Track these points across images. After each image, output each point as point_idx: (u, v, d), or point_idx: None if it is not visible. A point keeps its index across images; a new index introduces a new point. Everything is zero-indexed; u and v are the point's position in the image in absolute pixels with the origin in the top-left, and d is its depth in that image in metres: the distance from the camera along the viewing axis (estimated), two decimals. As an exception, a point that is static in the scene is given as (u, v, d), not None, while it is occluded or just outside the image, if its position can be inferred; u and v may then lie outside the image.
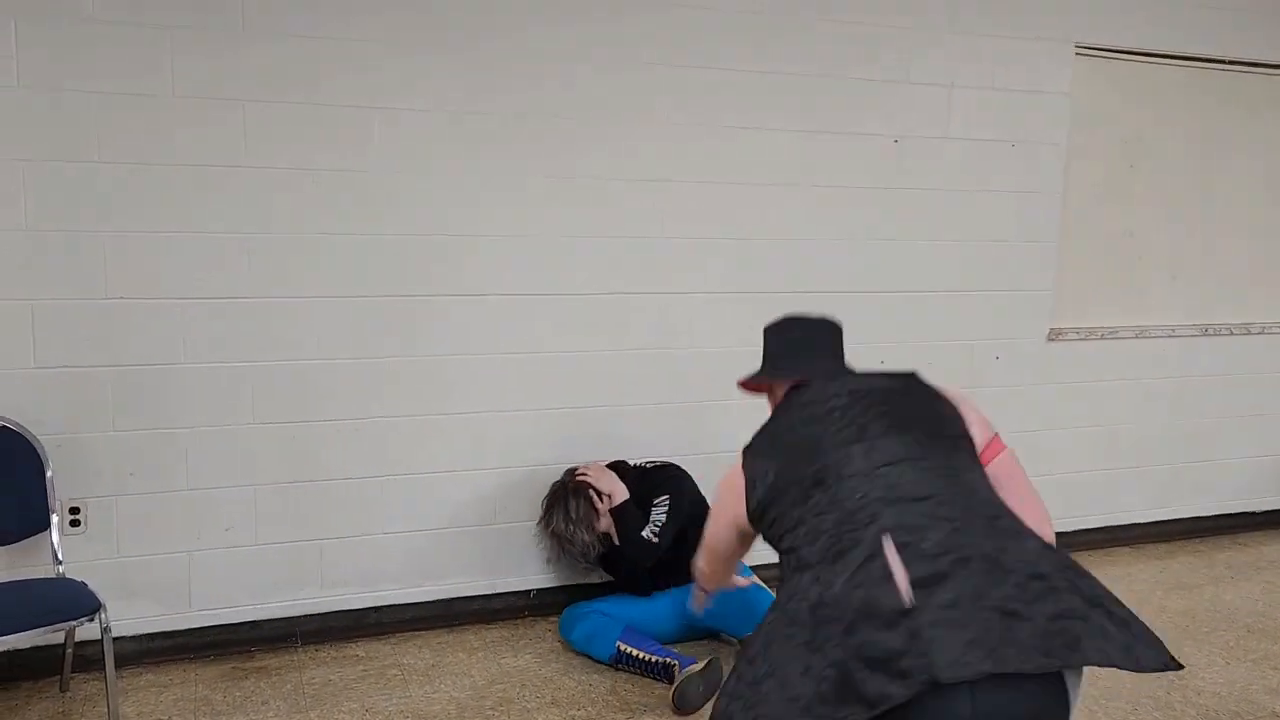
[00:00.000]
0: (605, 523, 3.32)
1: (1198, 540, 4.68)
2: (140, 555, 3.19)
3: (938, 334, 4.07)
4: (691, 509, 3.31)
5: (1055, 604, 1.62)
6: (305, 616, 3.40)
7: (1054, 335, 4.27)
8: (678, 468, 3.46)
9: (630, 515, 3.29)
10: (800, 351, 2.34)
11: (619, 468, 3.44)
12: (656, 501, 3.32)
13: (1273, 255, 4.66)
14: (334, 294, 3.27)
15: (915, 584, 1.62)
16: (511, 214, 3.42)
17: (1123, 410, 4.46)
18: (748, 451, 2.11)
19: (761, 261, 3.76)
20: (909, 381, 2.16)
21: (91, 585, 2.83)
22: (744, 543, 2.17)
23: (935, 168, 3.95)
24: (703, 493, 3.46)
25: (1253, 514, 4.81)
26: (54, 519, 2.96)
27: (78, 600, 2.69)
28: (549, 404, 3.56)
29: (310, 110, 3.16)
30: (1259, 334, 4.64)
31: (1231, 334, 4.59)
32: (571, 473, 3.41)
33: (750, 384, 2.40)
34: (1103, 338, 4.36)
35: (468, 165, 3.35)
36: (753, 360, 3.77)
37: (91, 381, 3.07)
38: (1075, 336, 4.31)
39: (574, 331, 3.56)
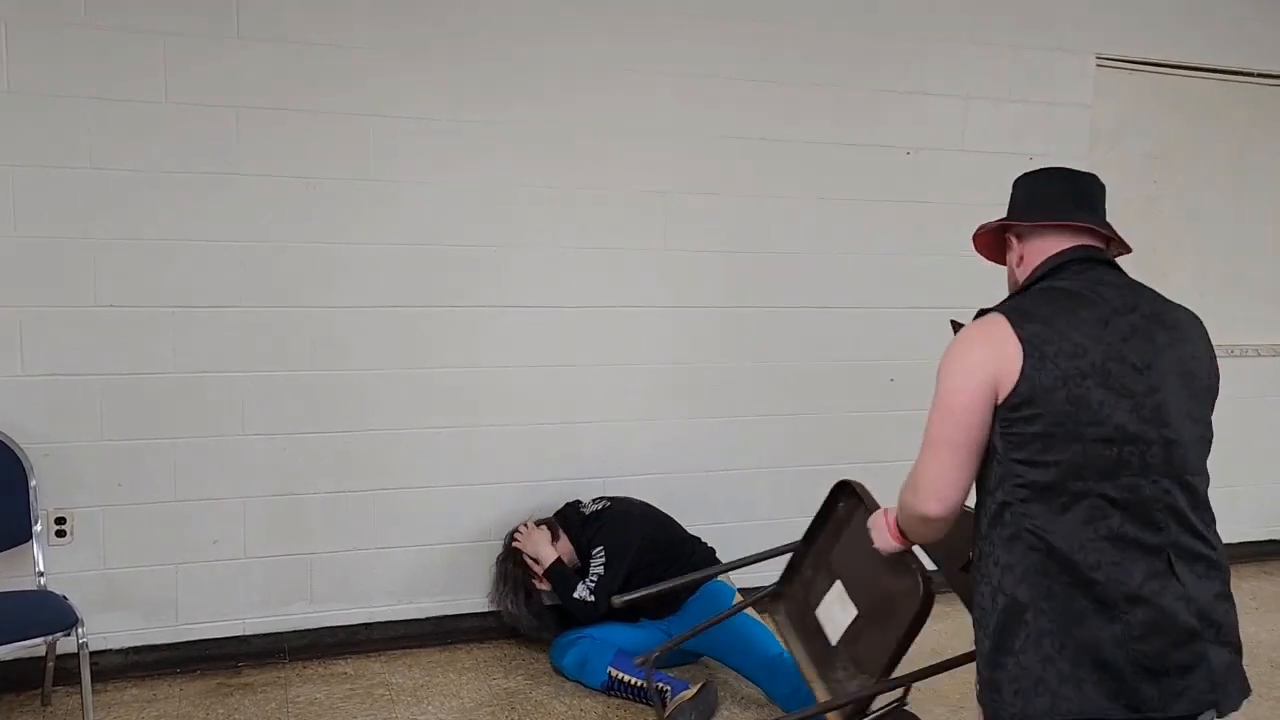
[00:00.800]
0: (545, 586, 3.29)
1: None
2: (126, 567, 3.15)
3: (951, 352, 3.95)
4: (638, 543, 3.23)
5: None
6: (294, 632, 3.34)
7: (1072, 354, 4.13)
8: (615, 508, 3.35)
9: (559, 578, 3.24)
10: (1068, 207, 1.83)
11: (567, 515, 3.37)
12: (593, 554, 3.24)
13: (1303, 274, 4.51)
14: (327, 305, 3.21)
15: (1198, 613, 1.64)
16: (510, 224, 3.36)
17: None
18: (1019, 318, 1.71)
19: (769, 275, 3.67)
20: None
21: (77, 597, 2.78)
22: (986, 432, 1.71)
23: (948, 180, 3.84)
24: (661, 511, 3.38)
25: (1278, 542, 4.64)
26: (37, 529, 2.92)
27: (55, 614, 2.64)
28: (543, 419, 3.48)
29: (305, 118, 3.11)
30: (1288, 356, 4.49)
31: (1260, 355, 4.44)
32: (512, 535, 3.38)
33: (1008, 227, 1.91)
34: (1123, 358, 4.22)
35: (465, 174, 3.29)
36: (750, 377, 3.70)
37: (80, 390, 3.03)
38: (1095, 356, 4.17)
39: (568, 345, 3.48)
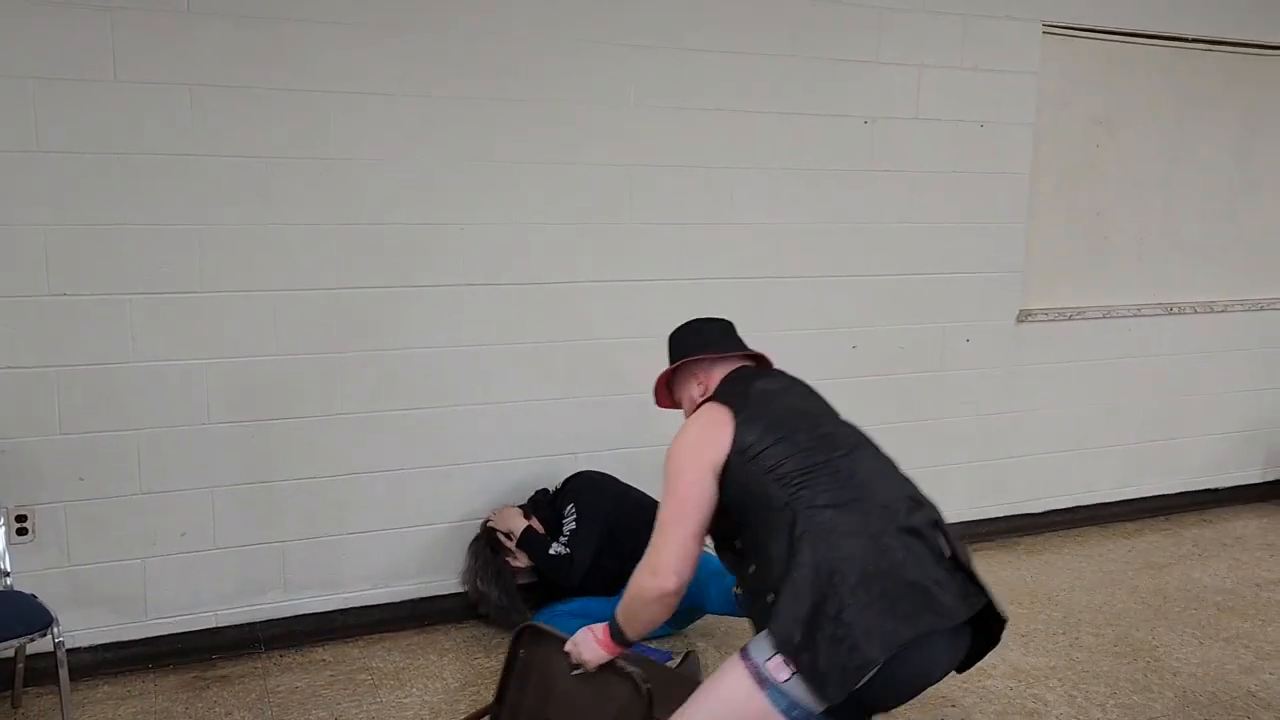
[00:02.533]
0: (522, 559, 3.31)
1: (1164, 518, 4.71)
2: (93, 563, 3.06)
3: (909, 317, 4.04)
4: (612, 505, 3.31)
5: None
6: (268, 621, 3.29)
7: (1023, 316, 4.25)
8: (584, 475, 3.42)
9: (533, 539, 3.28)
10: (730, 339, 2.45)
11: (536, 499, 3.42)
12: (565, 513, 3.31)
13: (1235, 235, 4.69)
14: (290, 287, 3.14)
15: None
16: (474, 201, 3.31)
17: (1091, 390, 4.47)
18: (725, 399, 2.17)
19: (730, 246, 3.69)
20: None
21: (42, 597, 2.69)
22: (713, 500, 2.10)
23: (906, 149, 3.90)
24: (630, 485, 3.41)
25: (1216, 490, 4.86)
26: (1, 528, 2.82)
27: (28, 614, 2.56)
28: (513, 398, 3.46)
29: (262, 95, 3.02)
30: (1221, 313, 4.67)
31: (1195, 313, 4.61)
32: (483, 524, 3.41)
33: (682, 370, 2.40)
34: (1071, 318, 4.36)
35: (428, 151, 3.23)
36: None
37: (35, 382, 2.92)
38: (1044, 318, 4.30)
39: (539, 322, 3.46)
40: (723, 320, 2.50)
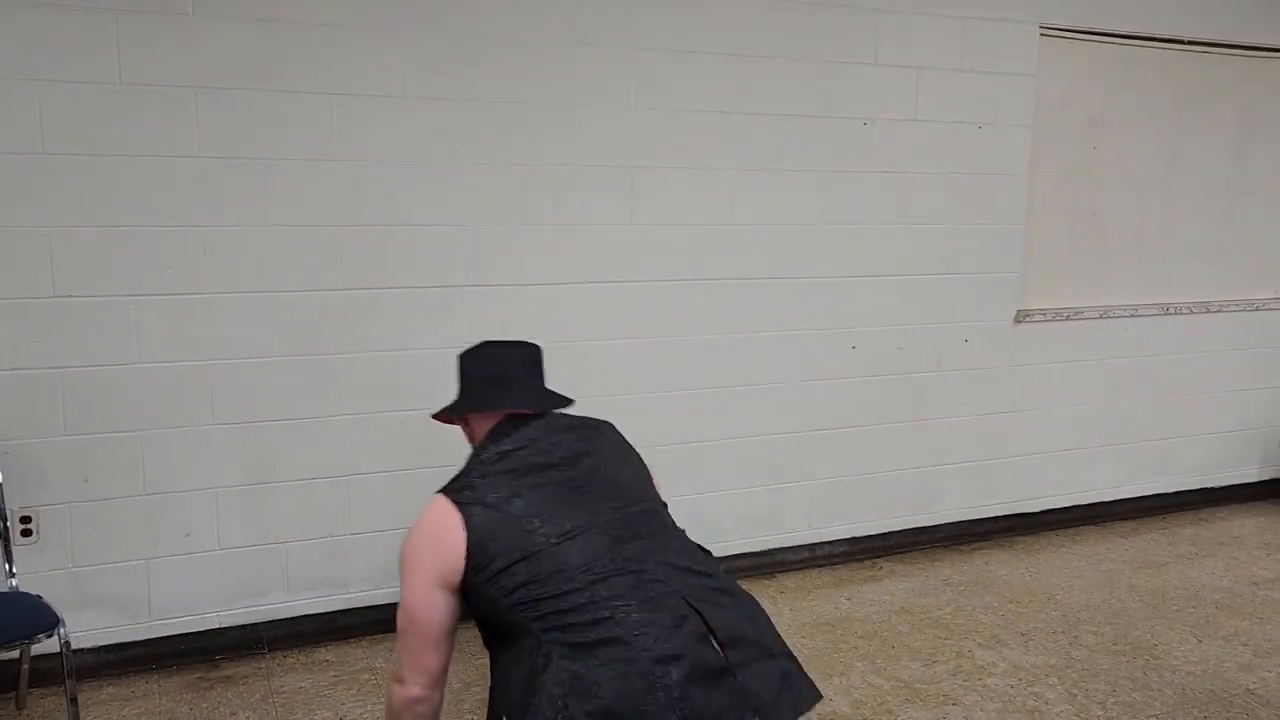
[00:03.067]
0: None
1: (1161, 517, 4.74)
2: (97, 564, 3.06)
3: (907, 317, 4.06)
4: None
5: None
6: (271, 622, 3.30)
7: (1021, 317, 4.27)
8: None
9: None
10: (503, 382, 2.15)
11: None
12: None
13: (1233, 236, 4.71)
14: (293, 288, 3.15)
15: (725, 645, 1.75)
16: (474, 202, 3.32)
17: (1088, 390, 4.49)
18: (460, 492, 1.90)
19: (729, 247, 3.71)
20: (607, 436, 2.13)
21: (46, 598, 2.70)
22: (448, 610, 1.88)
23: (904, 150, 3.92)
24: None
25: (1212, 490, 4.88)
26: (6, 528, 2.82)
27: (34, 615, 2.56)
28: (519, 397, 3.47)
29: (265, 97, 3.03)
30: (1217, 313, 4.70)
31: (1192, 313, 4.64)
32: None
33: (445, 417, 2.20)
34: (1068, 319, 4.38)
35: (430, 154, 3.24)
36: (709, 346, 3.75)
37: (39, 384, 2.93)
38: (1042, 318, 4.32)
39: (538, 323, 3.47)
40: (510, 353, 2.19)
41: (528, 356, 2.20)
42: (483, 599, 1.83)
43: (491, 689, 1.84)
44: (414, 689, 1.89)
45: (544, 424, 2.04)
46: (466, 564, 1.82)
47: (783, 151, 3.72)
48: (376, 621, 3.41)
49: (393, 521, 3.38)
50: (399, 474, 3.36)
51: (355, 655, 3.29)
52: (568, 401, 2.14)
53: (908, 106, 3.90)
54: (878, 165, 3.89)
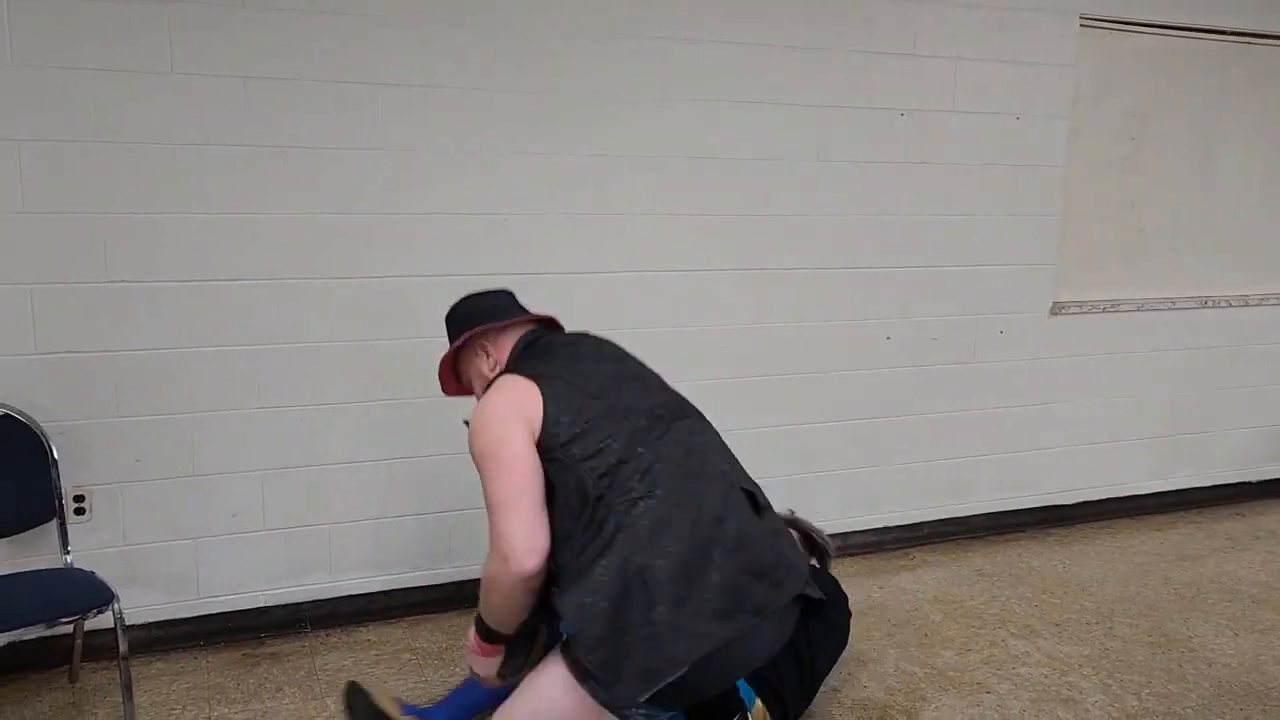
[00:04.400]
0: None
1: (1197, 511, 4.72)
2: (147, 543, 3.14)
3: (941, 309, 4.06)
4: None
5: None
6: (314, 602, 3.37)
7: (1057, 309, 4.27)
8: None
9: None
10: (505, 306, 2.28)
11: None
12: None
13: (1271, 228, 4.68)
14: (339, 275, 3.21)
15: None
16: (514, 193, 3.37)
17: (1124, 383, 4.48)
18: (525, 371, 1.98)
19: (765, 238, 3.73)
20: (612, 343, 2.29)
21: (99, 574, 2.78)
22: (540, 467, 1.90)
23: (941, 141, 3.93)
24: None
25: (1250, 484, 4.85)
26: (62, 507, 2.90)
27: (90, 591, 2.64)
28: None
29: (313, 87, 3.09)
30: (1257, 306, 4.67)
31: (1230, 306, 4.61)
32: None
33: (467, 347, 2.22)
34: (1105, 311, 4.37)
35: (469, 144, 3.29)
36: (744, 335, 3.78)
37: (94, 367, 3.00)
38: (1078, 310, 4.31)
39: (577, 312, 3.51)
40: (502, 290, 2.34)
41: (508, 294, 2.31)
42: (554, 458, 1.88)
43: (557, 559, 1.89)
44: (530, 561, 1.85)
45: (568, 334, 2.18)
46: (543, 423, 1.88)
47: (819, 142, 3.74)
48: (417, 603, 3.47)
49: (432, 505, 3.44)
50: (438, 458, 3.42)
51: (396, 635, 3.35)
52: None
53: (945, 98, 3.90)
54: (914, 156, 3.89)
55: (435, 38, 3.19)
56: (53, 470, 2.87)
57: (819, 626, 2.82)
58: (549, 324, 2.28)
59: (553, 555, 1.90)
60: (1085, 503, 4.52)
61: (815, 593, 2.04)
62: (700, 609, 1.81)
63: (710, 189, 3.62)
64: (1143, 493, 4.63)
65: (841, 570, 3.96)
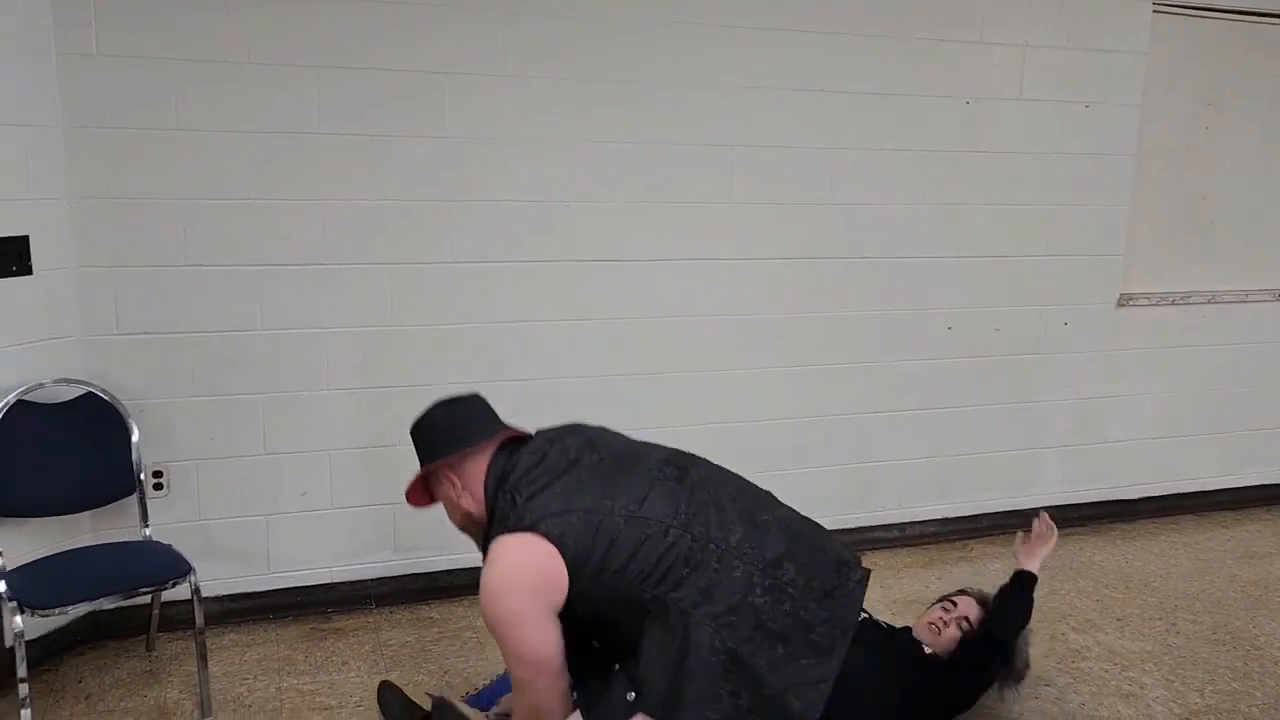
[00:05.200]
0: None
1: (1264, 509, 4.62)
2: (220, 518, 3.25)
3: (1005, 299, 4.02)
4: None
5: None
6: (378, 579, 3.45)
7: (1124, 300, 4.20)
8: None
9: None
10: (475, 421, 2.18)
11: None
12: None
13: (1350, 218, 4.55)
14: (404, 260, 3.28)
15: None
16: (578, 180, 3.41)
17: (1192, 377, 4.40)
18: (526, 525, 1.91)
19: (827, 226, 3.72)
20: (589, 426, 2.29)
21: (176, 548, 2.88)
22: (561, 642, 1.92)
23: (1007, 130, 3.88)
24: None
25: (1322, 482, 4.74)
26: (141, 482, 3.01)
27: (169, 563, 2.74)
28: (612, 370, 3.56)
29: (382, 76, 3.15)
30: (1333, 299, 4.54)
31: (1306, 299, 4.50)
32: None
33: (433, 474, 2.17)
34: (1174, 303, 4.29)
35: (533, 132, 3.33)
36: (805, 324, 3.77)
37: (172, 348, 3.11)
38: (1146, 302, 4.24)
39: (637, 298, 3.55)
40: (469, 397, 2.23)
41: (477, 403, 2.21)
42: (593, 596, 1.86)
43: (627, 669, 1.87)
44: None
45: (536, 441, 2.09)
46: (570, 578, 1.85)
47: (883, 131, 3.72)
48: (476, 583, 3.53)
49: (494, 487, 3.50)
50: (501, 442, 3.48)
51: (458, 613, 3.42)
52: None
53: (1012, 85, 3.85)
54: (980, 145, 3.85)
55: (499, 26, 3.24)
56: (133, 446, 2.98)
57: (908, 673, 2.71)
58: (514, 437, 2.18)
59: (611, 664, 1.92)
60: (1149, 498, 4.45)
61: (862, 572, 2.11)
62: (799, 654, 1.84)
63: (773, 178, 3.62)
64: (1209, 489, 4.55)
65: (899, 560, 3.96)
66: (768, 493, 2.18)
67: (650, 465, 2.02)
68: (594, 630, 1.97)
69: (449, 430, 2.13)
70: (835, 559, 2.04)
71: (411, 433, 2.21)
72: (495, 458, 2.09)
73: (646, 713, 1.84)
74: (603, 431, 2.19)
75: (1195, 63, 4.15)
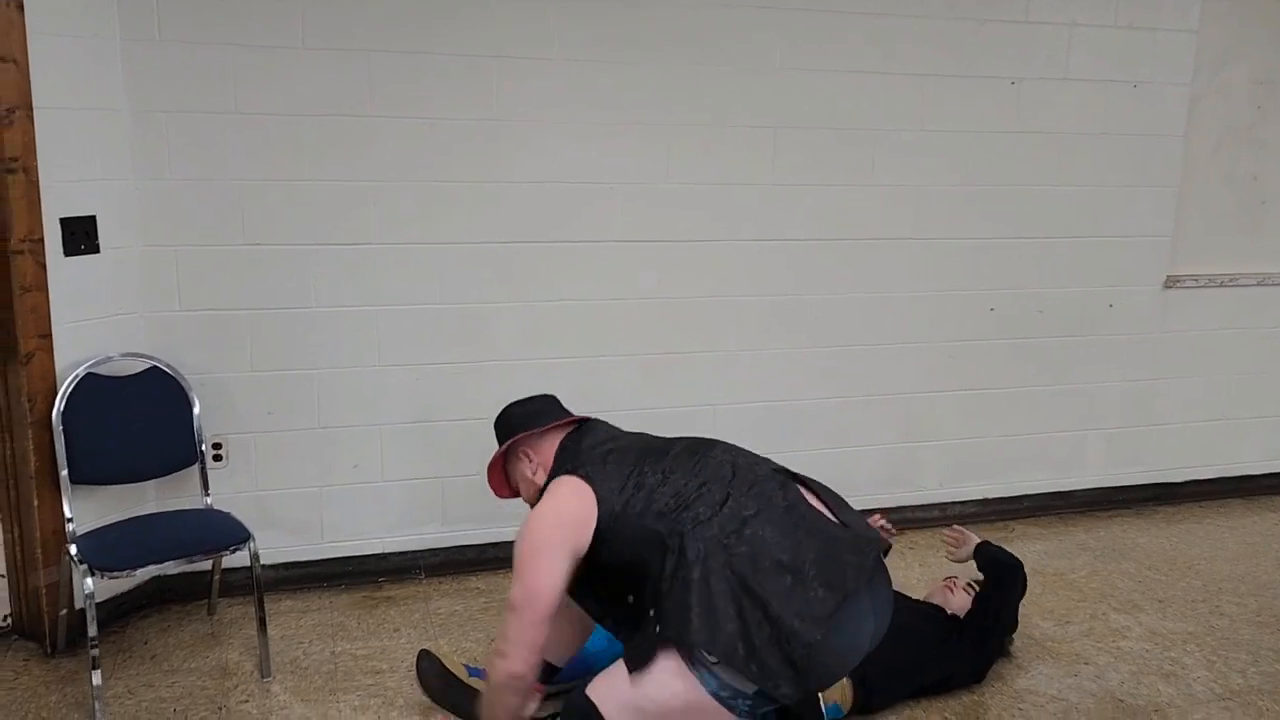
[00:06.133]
0: None
1: (1315, 493, 4.57)
2: (276, 489, 3.36)
3: (1051, 281, 4.02)
4: None
5: None
6: (428, 550, 3.55)
7: (1170, 283, 4.17)
8: None
9: None
10: (549, 410, 2.43)
11: None
12: None
13: None
14: (452, 240, 3.35)
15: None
16: (622, 161, 3.46)
17: (1241, 360, 4.36)
18: (572, 468, 2.15)
19: (870, 207, 3.74)
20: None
21: (235, 516, 3.00)
22: (563, 585, 2.08)
23: (1053, 110, 3.86)
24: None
25: (1374, 467, 4.67)
26: (202, 453, 3.13)
27: (230, 530, 2.86)
28: (655, 349, 3.61)
29: (432, 60, 3.23)
30: (1388, 282, 4.47)
31: (1360, 281, 4.43)
32: None
33: (511, 452, 2.39)
34: (1222, 285, 4.25)
35: (578, 113, 3.38)
36: (848, 305, 3.80)
37: (231, 324, 3.22)
38: (1194, 284, 4.20)
39: (677, 278, 3.60)
40: (544, 395, 2.50)
41: (548, 399, 2.49)
42: (623, 537, 2.02)
43: (653, 617, 1.99)
44: (517, 664, 2.08)
45: (596, 426, 2.35)
46: (600, 515, 2.04)
47: (927, 112, 3.73)
48: (523, 555, 3.63)
49: (540, 462, 3.58)
50: (547, 418, 3.55)
51: (503, 585, 3.50)
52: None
53: (1059, 65, 3.83)
54: (1025, 125, 3.84)
55: (543, 11, 3.29)
56: (194, 419, 3.10)
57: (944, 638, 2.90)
58: (585, 420, 2.42)
59: (648, 613, 2.03)
60: (1195, 481, 4.43)
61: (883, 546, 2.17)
62: (803, 590, 1.92)
63: (816, 159, 3.64)
64: (1256, 473, 4.51)
65: (940, 539, 3.97)
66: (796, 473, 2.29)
67: (684, 441, 2.26)
68: (629, 583, 2.07)
69: (530, 414, 2.38)
70: (856, 520, 2.12)
71: (495, 424, 2.47)
72: (567, 437, 2.30)
73: (662, 635, 1.95)
74: (635, 433, 2.40)
75: (1248, 41, 4.10)
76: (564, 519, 2.07)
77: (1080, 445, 4.22)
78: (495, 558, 3.61)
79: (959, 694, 2.88)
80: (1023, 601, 3.44)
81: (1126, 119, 3.96)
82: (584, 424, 2.37)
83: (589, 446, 2.21)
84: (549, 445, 2.31)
